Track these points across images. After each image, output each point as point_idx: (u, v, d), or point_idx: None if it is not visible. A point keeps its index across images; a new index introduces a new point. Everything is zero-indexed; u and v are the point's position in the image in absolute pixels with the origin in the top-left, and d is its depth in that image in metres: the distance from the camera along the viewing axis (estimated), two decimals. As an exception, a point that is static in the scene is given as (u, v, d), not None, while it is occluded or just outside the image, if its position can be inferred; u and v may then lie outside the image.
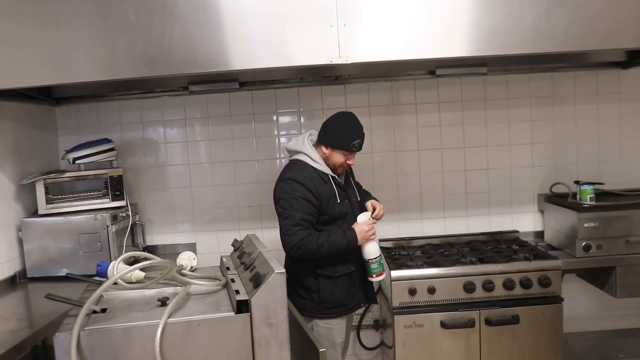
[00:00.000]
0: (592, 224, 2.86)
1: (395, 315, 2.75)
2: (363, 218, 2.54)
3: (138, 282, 1.88)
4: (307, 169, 2.50)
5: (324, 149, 2.53)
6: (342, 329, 2.61)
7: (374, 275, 2.57)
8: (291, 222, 2.40)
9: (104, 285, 1.70)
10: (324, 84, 3.29)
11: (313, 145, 2.58)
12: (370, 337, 3.39)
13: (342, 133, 2.50)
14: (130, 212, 3.05)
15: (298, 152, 2.57)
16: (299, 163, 2.53)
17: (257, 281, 1.63)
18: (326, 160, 2.55)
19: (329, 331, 2.57)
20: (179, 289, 1.78)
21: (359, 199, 2.69)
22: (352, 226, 2.52)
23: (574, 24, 2.44)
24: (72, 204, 2.93)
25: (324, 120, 2.60)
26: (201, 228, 3.38)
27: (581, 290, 3.30)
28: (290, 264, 2.52)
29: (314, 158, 2.53)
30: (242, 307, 1.59)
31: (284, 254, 2.54)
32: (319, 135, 2.58)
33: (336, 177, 2.57)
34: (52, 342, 1.51)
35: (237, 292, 1.68)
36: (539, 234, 3.37)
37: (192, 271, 1.99)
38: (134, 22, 2.37)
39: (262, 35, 2.41)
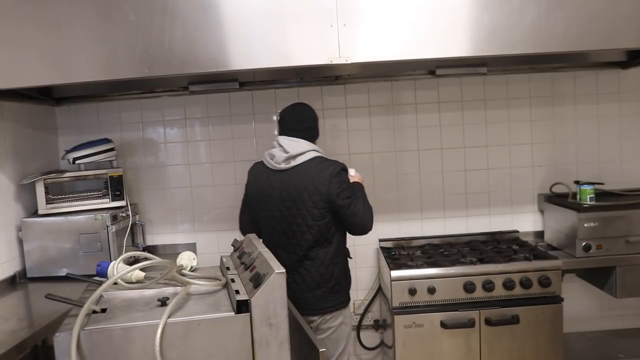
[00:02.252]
0: (592, 224, 2.86)
1: (395, 315, 2.75)
2: (352, 172, 2.62)
3: (138, 282, 1.88)
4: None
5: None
6: None
7: None
8: (365, 201, 2.51)
9: (104, 285, 1.69)
10: (324, 84, 3.29)
11: None
12: (370, 337, 3.39)
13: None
14: (130, 212, 3.05)
15: (308, 151, 2.50)
16: (323, 157, 2.52)
17: (257, 281, 1.62)
18: None
19: (350, 316, 2.67)
20: (179, 289, 1.78)
21: None
22: (353, 181, 2.57)
23: (574, 24, 2.44)
24: (72, 204, 2.93)
25: (319, 120, 2.64)
26: (201, 228, 3.38)
27: (581, 290, 3.30)
28: (330, 266, 2.50)
29: (322, 151, 2.57)
30: (242, 307, 1.59)
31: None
32: (314, 132, 2.61)
33: None
34: (52, 342, 1.51)
35: (237, 292, 1.68)
36: (539, 234, 3.37)
37: (192, 271, 1.99)
38: (134, 22, 2.37)
39: (262, 35, 2.41)
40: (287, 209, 2.47)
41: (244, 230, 2.68)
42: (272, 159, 2.53)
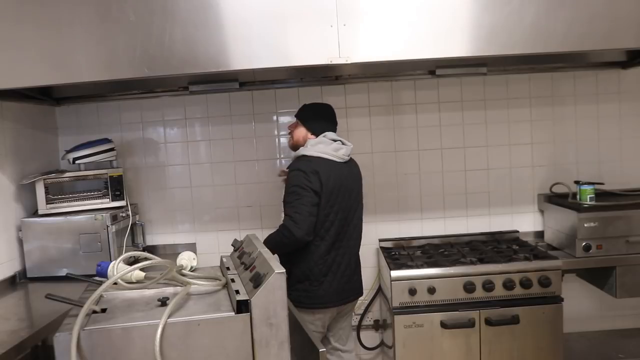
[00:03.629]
0: (592, 224, 2.86)
1: (395, 315, 2.75)
2: None
3: (138, 282, 1.88)
4: None
5: None
6: None
7: None
8: None
9: (104, 285, 1.69)
10: (324, 84, 3.29)
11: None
12: (370, 337, 3.40)
13: None
14: (130, 212, 3.05)
15: None
16: None
17: (257, 281, 1.63)
18: None
19: None
20: (179, 289, 1.78)
21: None
22: None
23: (574, 24, 2.44)
24: (72, 204, 2.93)
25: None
26: (201, 228, 3.38)
27: (581, 290, 3.30)
28: None
29: None
30: (242, 307, 1.59)
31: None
32: None
33: None
34: (52, 342, 1.51)
35: (237, 292, 1.68)
36: (539, 234, 3.37)
37: (192, 271, 1.99)
38: (134, 22, 2.37)
39: (262, 35, 2.41)
40: (354, 198, 2.72)
41: (311, 234, 2.56)
42: (336, 152, 2.65)
